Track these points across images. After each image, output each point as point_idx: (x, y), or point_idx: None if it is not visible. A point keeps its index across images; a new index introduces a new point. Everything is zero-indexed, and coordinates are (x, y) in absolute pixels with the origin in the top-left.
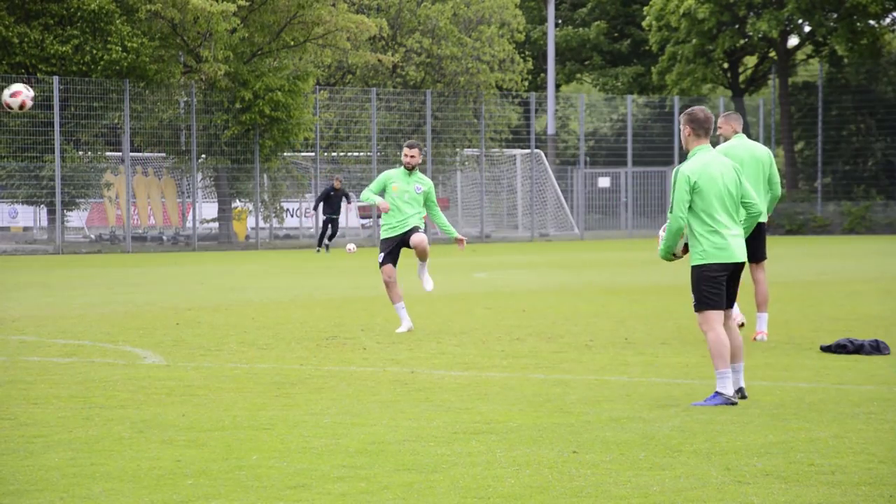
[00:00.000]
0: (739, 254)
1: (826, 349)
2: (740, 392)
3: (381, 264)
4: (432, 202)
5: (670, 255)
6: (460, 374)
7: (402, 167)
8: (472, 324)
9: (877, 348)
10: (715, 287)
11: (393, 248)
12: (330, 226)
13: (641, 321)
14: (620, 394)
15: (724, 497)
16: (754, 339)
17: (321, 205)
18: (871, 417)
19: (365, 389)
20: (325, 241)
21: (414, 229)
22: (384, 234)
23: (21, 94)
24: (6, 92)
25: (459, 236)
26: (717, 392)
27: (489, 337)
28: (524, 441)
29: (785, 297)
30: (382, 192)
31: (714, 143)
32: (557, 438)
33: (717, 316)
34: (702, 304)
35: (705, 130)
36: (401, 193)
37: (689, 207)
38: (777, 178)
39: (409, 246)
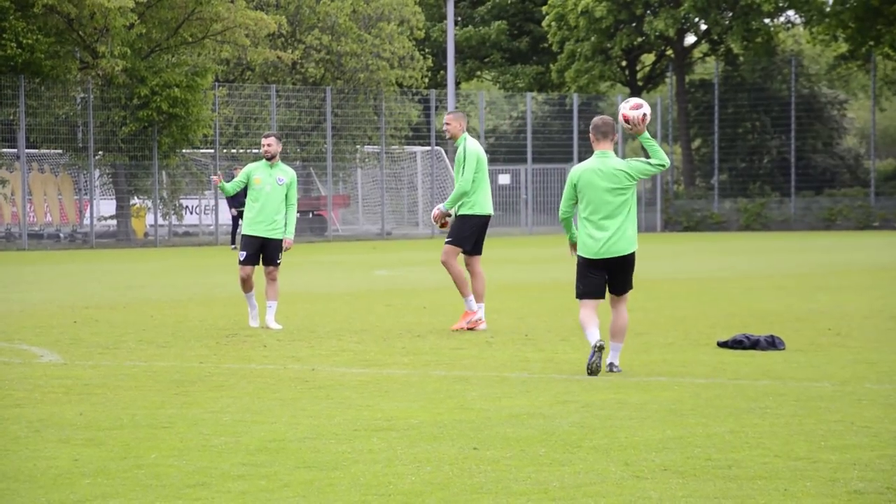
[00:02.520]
0: (603, 251)
1: (723, 345)
2: (610, 367)
3: (243, 263)
4: (291, 194)
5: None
6: (361, 372)
7: (264, 159)
8: (372, 321)
9: (772, 344)
10: (582, 276)
11: (255, 251)
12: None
13: (541, 318)
14: (520, 390)
15: (622, 492)
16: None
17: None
18: (766, 412)
19: (265, 387)
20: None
21: (275, 254)
22: (247, 230)
23: (642, 107)
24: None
25: (288, 237)
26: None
27: (390, 334)
28: (424, 438)
29: (682, 294)
30: (246, 187)
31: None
32: (458, 435)
33: (586, 301)
34: (577, 289)
35: (602, 134)
36: (263, 185)
37: (576, 204)
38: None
39: (265, 256)
